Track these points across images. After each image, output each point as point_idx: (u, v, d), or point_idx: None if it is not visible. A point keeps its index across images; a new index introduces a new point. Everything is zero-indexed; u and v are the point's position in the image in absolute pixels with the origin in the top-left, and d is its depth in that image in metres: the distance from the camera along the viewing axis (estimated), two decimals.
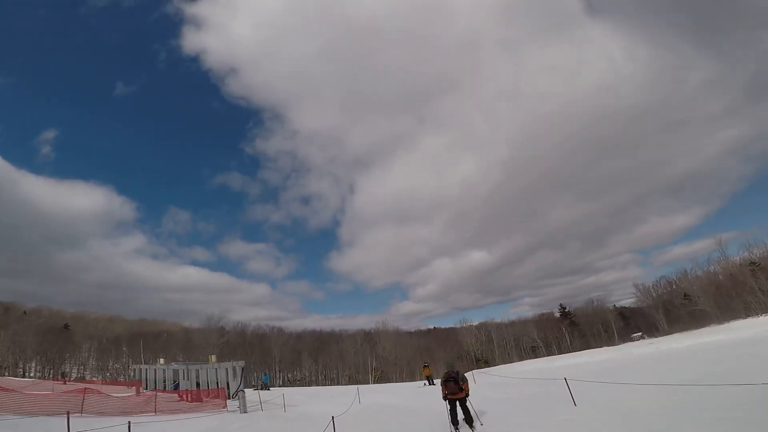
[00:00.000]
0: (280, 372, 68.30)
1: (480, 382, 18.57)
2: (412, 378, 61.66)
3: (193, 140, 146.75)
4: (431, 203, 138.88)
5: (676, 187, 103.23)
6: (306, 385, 62.62)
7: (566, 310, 79.17)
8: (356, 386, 33.57)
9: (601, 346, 63.72)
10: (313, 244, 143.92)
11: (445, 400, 8.11)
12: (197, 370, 18.32)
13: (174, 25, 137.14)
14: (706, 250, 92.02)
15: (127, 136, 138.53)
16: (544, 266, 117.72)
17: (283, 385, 58.75)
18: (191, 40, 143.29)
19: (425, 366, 26.80)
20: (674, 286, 65.25)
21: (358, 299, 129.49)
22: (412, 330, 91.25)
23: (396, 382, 51.08)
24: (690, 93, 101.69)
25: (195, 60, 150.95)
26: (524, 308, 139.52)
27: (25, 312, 75.79)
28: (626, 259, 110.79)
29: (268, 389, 28.00)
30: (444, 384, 8.06)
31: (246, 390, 25.40)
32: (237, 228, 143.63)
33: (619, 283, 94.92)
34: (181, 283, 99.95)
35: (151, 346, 58.42)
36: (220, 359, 59.89)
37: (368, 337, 74.47)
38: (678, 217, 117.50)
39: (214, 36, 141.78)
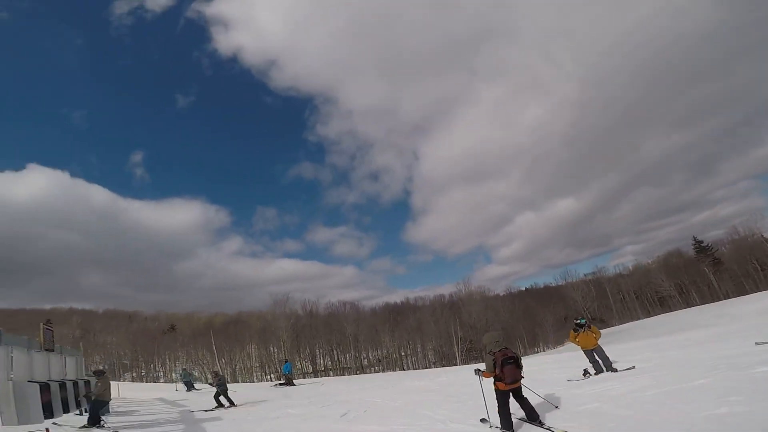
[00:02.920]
0: (361, 353, 65.22)
1: None
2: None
3: (259, 139, 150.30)
4: (503, 155, 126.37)
5: None
6: (385, 368, 58.12)
7: (704, 245, 60.57)
8: (398, 374, 25.79)
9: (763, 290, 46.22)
10: (389, 218, 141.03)
11: (499, 391, 5.15)
12: None
13: (200, 28, 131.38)
14: None
15: (200, 146, 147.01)
16: (643, 206, 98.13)
17: (350, 373, 54.76)
18: (224, 41, 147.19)
19: (581, 324, 9.27)
20: None
21: (440, 269, 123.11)
22: (502, 293, 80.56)
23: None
24: None
25: (234, 59, 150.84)
26: (627, 258, 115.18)
27: (146, 318, 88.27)
28: (745, 186, 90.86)
29: (293, 384, 21.17)
30: (501, 367, 5.09)
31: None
32: (318, 215, 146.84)
33: (741, 215, 71.63)
34: (279, 275, 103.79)
35: (229, 336, 60.60)
36: (293, 343, 59.44)
37: (450, 304, 66.91)
38: None
39: (243, 32, 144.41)
